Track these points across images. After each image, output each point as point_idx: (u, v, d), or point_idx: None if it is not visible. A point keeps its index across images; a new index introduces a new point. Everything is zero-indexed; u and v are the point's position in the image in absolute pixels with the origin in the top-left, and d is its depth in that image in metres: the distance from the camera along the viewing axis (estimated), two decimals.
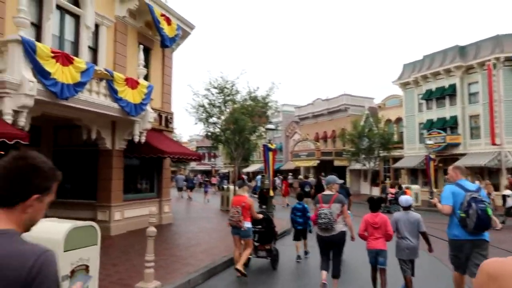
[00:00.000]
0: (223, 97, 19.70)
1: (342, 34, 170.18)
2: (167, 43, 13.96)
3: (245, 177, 41.77)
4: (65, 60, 9.08)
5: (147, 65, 14.44)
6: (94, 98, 10.13)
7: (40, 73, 8.46)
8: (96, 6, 11.85)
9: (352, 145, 31.31)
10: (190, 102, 22.40)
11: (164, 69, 15.36)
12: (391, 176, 33.77)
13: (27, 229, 1.46)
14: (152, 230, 6.58)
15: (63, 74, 8.95)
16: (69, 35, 11.28)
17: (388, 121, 34.19)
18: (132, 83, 11.35)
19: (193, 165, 57.66)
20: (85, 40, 11.50)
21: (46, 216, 2.04)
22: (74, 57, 9.44)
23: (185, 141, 66.59)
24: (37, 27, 10.24)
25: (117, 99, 10.81)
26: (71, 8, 11.23)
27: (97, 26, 12.08)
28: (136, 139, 11.93)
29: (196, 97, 20.01)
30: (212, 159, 61.61)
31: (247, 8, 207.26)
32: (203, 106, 19.75)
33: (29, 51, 8.24)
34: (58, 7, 10.76)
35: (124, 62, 12.98)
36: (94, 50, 12.12)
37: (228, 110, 19.88)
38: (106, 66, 12.00)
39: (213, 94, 19.66)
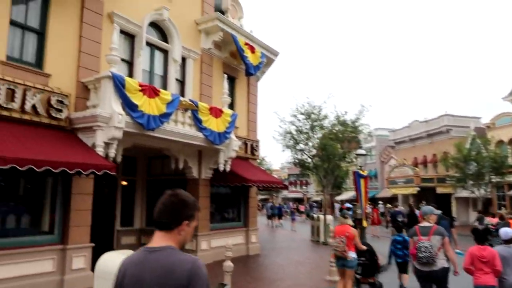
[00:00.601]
0: (310, 123, 19.13)
1: (441, 48, 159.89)
2: (252, 71, 13.98)
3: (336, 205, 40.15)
4: (152, 92, 9.41)
5: (232, 93, 14.61)
6: (179, 128, 10.33)
7: (128, 105, 8.84)
8: (183, 40, 12.34)
9: (456, 170, 28.14)
10: (277, 129, 22.24)
11: (249, 97, 15.40)
12: (506, 205, 29.52)
13: (181, 246, 2.02)
14: (228, 265, 6.15)
15: (149, 106, 9.26)
16: (158, 69, 11.85)
17: (500, 142, 30.27)
18: (216, 112, 11.43)
19: (286, 192, 57.32)
20: (173, 73, 11.97)
21: (141, 244, 2.39)
22: (160, 89, 9.76)
23: (276, 169, 66.88)
24: (130, 63, 10.90)
25: (201, 129, 10.93)
26: (160, 44, 11.84)
27: (184, 59, 12.56)
28: (221, 167, 11.89)
29: (283, 124, 19.77)
30: (304, 187, 60.66)
31: (333, 28, 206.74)
32: (290, 132, 19.37)
33: (119, 86, 8.67)
34: (148, 43, 11.39)
35: (210, 92, 13.25)
36: (181, 82, 12.57)
37: (315, 136, 19.19)
38: (193, 97, 12.33)
39: (299, 120, 19.22)
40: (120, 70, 10.44)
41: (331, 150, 18.32)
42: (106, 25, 9.96)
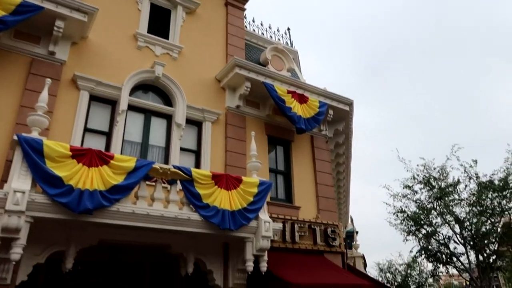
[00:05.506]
0: (436, 193, 13.17)
1: None
2: (301, 126, 10.06)
3: None
4: (95, 158, 6.49)
5: (287, 161, 10.76)
6: (158, 208, 6.93)
7: (46, 180, 6.00)
8: (198, 101, 9.59)
9: None
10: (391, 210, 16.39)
11: (316, 164, 11.08)
12: None
13: None
14: None
15: (88, 178, 6.28)
16: (157, 139, 8.99)
17: None
18: (228, 182, 7.73)
19: None
20: (176, 141, 8.95)
21: None
22: (114, 154, 6.76)
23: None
24: (108, 134, 8.41)
25: (198, 207, 7.28)
26: (160, 109, 9.20)
27: (199, 123, 9.58)
28: (249, 267, 7.55)
29: (398, 201, 14.20)
30: None
31: None
32: (402, 211, 13.60)
33: (28, 151, 6.02)
34: (140, 108, 8.89)
35: (242, 162, 9.60)
36: (196, 152, 9.39)
37: (444, 210, 12.96)
38: (214, 168, 8.95)
39: (416, 192, 13.48)
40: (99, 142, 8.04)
41: (479, 227, 11.86)
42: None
